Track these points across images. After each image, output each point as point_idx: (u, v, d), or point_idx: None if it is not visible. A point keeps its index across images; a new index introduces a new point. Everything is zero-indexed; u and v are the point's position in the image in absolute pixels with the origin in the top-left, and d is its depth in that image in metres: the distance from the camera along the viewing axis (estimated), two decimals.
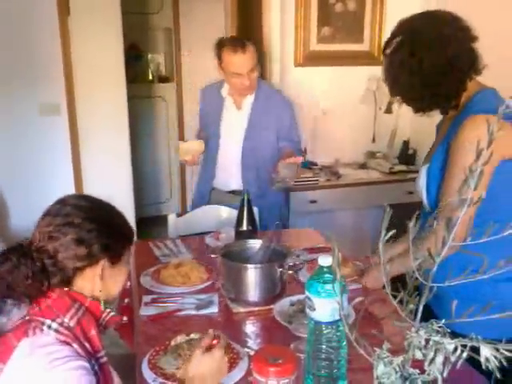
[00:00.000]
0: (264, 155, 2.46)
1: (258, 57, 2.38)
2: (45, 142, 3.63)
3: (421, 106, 1.47)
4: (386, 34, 3.85)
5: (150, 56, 5.13)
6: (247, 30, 3.69)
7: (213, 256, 1.96)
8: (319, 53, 3.51)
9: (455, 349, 0.78)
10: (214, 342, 1.21)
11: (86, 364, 1.05)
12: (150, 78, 5.14)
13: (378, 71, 3.51)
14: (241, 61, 2.30)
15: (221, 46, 2.35)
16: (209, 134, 2.56)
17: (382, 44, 3.94)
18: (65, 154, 3.70)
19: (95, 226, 1.14)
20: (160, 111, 5.05)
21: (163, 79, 5.12)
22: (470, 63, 1.39)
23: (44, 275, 1.11)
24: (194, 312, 1.59)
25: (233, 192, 2.55)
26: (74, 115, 3.69)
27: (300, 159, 2.28)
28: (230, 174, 2.53)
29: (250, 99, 2.47)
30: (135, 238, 1.33)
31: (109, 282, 1.19)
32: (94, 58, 3.69)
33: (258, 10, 3.31)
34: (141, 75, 5.05)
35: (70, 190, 3.63)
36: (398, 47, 1.42)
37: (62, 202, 1.19)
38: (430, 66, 1.36)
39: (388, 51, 1.46)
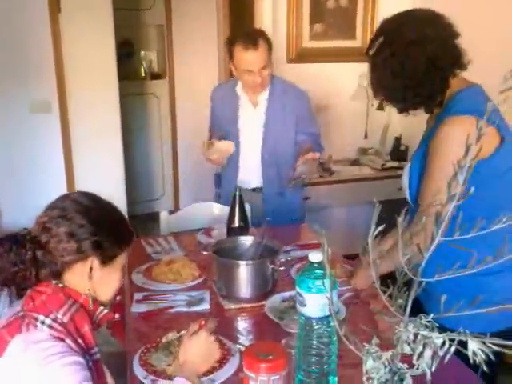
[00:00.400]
0: (284, 151, 2.43)
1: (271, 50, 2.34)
2: (36, 140, 3.62)
3: (404, 106, 1.47)
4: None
5: (142, 53, 5.11)
6: (239, 26, 3.68)
7: (204, 253, 1.96)
8: (311, 49, 3.51)
9: (443, 343, 0.78)
10: (202, 323, 1.24)
11: (81, 359, 1.05)
12: (143, 74, 5.13)
13: None
14: (252, 58, 2.24)
15: (232, 42, 2.30)
16: (226, 134, 2.49)
17: None
18: (56, 152, 3.68)
19: (88, 222, 1.15)
20: (152, 108, 5.03)
21: (156, 76, 5.10)
22: (452, 61, 1.39)
23: (33, 265, 1.12)
24: (185, 309, 1.58)
25: (253, 190, 2.52)
26: (66, 113, 3.67)
27: (317, 155, 2.23)
28: (250, 172, 2.50)
29: (264, 95, 2.43)
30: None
31: (99, 283, 1.19)
32: (85, 55, 3.67)
33: (250, 6, 3.31)
34: (133, 72, 5.04)
35: (62, 187, 3.62)
36: (380, 48, 1.41)
37: (65, 196, 1.22)
38: (412, 66, 1.36)
39: (370, 52, 1.46)
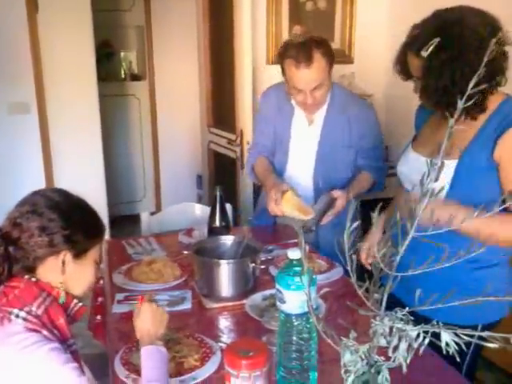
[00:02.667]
0: (341, 177, 2.11)
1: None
2: (14, 142, 3.58)
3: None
4: (357, 33, 3.88)
5: (122, 54, 5.09)
6: (219, 27, 3.69)
7: (186, 253, 1.97)
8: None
9: (418, 335, 0.80)
10: (140, 298, 1.32)
11: (59, 345, 1.07)
12: (123, 76, 5.11)
13: (349, 69, 3.59)
14: (304, 77, 1.92)
15: (284, 53, 1.96)
16: (276, 148, 2.22)
17: (354, 42, 3.91)
18: (35, 154, 3.65)
19: (58, 216, 1.16)
20: (133, 109, 5.02)
21: (136, 77, 5.09)
22: (504, 66, 1.35)
23: (5, 261, 1.13)
24: (167, 309, 1.58)
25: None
26: (45, 114, 3.64)
27: (341, 206, 1.90)
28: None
29: (321, 112, 2.10)
30: (107, 236, 1.34)
31: (72, 277, 1.20)
32: (64, 55, 3.65)
33: (229, 8, 3.32)
34: (113, 73, 5.02)
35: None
36: (436, 51, 1.27)
37: (35, 192, 1.23)
38: (470, 73, 1.26)
39: (423, 54, 1.37)
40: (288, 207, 1.89)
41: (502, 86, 1.38)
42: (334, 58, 1.98)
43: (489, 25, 1.32)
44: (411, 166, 1.58)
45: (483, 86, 0.83)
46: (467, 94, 0.81)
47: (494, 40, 1.29)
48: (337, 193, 1.92)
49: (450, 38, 1.30)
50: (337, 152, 2.11)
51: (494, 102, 1.38)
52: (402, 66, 1.47)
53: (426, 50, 1.34)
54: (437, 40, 1.32)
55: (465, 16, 1.33)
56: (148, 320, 1.23)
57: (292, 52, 1.91)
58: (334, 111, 2.09)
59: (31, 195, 1.21)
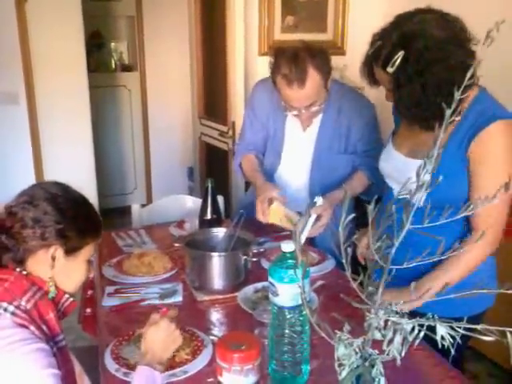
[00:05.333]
0: (338, 183, 1.97)
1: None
2: (3, 133, 3.54)
3: (434, 122, 1.39)
4: (350, 24, 3.86)
5: (112, 44, 5.04)
6: (211, 17, 3.66)
7: (177, 245, 1.95)
8: (283, 42, 3.50)
9: (413, 328, 0.80)
10: (164, 310, 1.26)
11: (45, 346, 1.05)
12: (113, 66, 5.06)
13: (341, 60, 3.57)
14: (297, 97, 1.80)
15: (275, 68, 1.80)
16: (267, 146, 2.12)
17: (346, 33, 3.89)
18: (24, 145, 3.61)
19: (53, 210, 1.14)
20: (124, 100, 4.97)
21: (126, 68, 5.04)
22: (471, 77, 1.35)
23: None
24: (158, 301, 1.57)
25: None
26: (34, 105, 3.60)
27: (325, 221, 1.78)
28: (295, 206, 1.88)
29: (317, 119, 1.99)
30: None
31: (61, 274, 1.18)
32: (53, 46, 3.61)
33: None
34: (103, 64, 4.96)
35: (30, 180, 3.52)
36: (402, 66, 1.26)
37: (36, 184, 1.22)
38: (438, 84, 1.28)
39: (389, 70, 1.34)
40: (275, 219, 1.86)
41: (475, 85, 1.35)
42: (330, 67, 1.82)
43: (451, 30, 1.30)
44: (392, 163, 1.58)
45: (460, 96, 0.81)
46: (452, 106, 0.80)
47: (459, 53, 1.29)
48: (322, 208, 1.77)
49: (415, 51, 1.27)
50: (333, 158, 2.01)
51: (467, 98, 1.37)
52: (370, 76, 1.45)
53: (392, 66, 1.34)
54: (401, 54, 1.30)
55: (426, 26, 1.30)
56: (160, 339, 1.18)
57: (284, 69, 1.75)
58: (330, 115, 1.98)
59: (31, 186, 1.20)
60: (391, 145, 1.60)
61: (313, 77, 1.75)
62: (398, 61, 1.27)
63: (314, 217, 1.71)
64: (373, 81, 1.46)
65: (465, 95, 1.33)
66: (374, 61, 1.40)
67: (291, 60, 1.74)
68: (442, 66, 1.27)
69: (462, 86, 0.78)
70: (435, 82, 1.28)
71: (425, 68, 1.28)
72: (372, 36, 1.41)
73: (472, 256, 1.36)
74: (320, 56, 1.78)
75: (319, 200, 1.73)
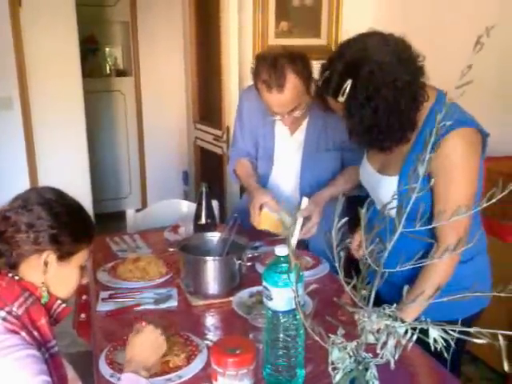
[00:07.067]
0: (328, 179, 2.01)
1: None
2: None
3: (392, 143, 1.40)
4: (343, 29, 3.87)
5: (107, 49, 5.04)
6: (205, 23, 3.67)
7: (171, 250, 1.95)
8: (279, 46, 3.51)
9: (406, 332, 0.80)
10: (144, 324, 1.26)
11: (36, 352, 1.04)
12: (108, 71, 5.06)
13: None
14: (277, 102, 1.82)
15: (256, 74, 1.82)
16: (259, 154, 2.14)
17: (340, 38, 3.90)
18: (19, 149, 3.60)
19: (47, 215, 1.14)
20: (118, 105, 4.97)
21: (121, 73, 5.04)
22: (422, 86, 1.35)
23: None
24: (152, 306, 1.57)
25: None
26: (28, 110, 3.60)
27: (316, 220, 1.82)
28: (286, 201, 1.94)
29: (303, 121, 2.01)
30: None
31: (54, 279, 1.17)
32: (48, 51, 3.60)
33: (216, 3, 3.29)
34: (98, 69, 4.97)
35: (25, 186, 3.52)
36: (351, 94, 1.32)
37: (31, 189, 1.24)
38: (388, 106, 1.31)
39: (341, 100, 1.34)
40: (266, 225, 1.88)
41: (426, 101, 1.36)
42: (310, 72, 1.82)
43: (394, 52, 1.31)
44: (366, 177, 1.61)
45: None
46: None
47: (404, 73, 1.30)
48: (307, 210, 1.79)
49: (361, 78, 1.30)
50: (322, 157, 2.02)
51: (424, 107, 1.38)
52: (324, 102, 1.48)
53: (342, 95, 1.33)
54: (349, 83, 1.31)
55: (369, 52, 1.31)
56: (145, 345, 1.19)
57: (264, 75, 1.77)
58: (316, 119, 1.98)
59: (26, 191, 1.20)
60: (366, 159, 1.62)
61: (292, 82, 1.77)
62: (348, 89, 1.31)
63: (300, 220, 1.73)
64: (329, 109, 1.49)
65: (420, 111, 1.37)
66: (324, 92, 1.43)
67: (271, 66, 1.76)
68: (389, 89, 1.29)
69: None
70: (385, 105, 1.30)
71: (373, 93, 1.30)
72: (320, 66, 1.43)
73: (446, 265, 1.35)
74: (300, 61, 1.79)
75: (304, 202, 1.74)
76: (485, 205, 0.76)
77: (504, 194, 0.74)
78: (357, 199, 1.67)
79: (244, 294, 1.61)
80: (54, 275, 1.17)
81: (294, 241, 1.67)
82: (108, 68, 5.07)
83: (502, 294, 0.74)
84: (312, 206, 1.81)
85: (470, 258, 1.46)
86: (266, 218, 1.87)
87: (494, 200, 0.74)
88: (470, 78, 0.74)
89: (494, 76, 3.31)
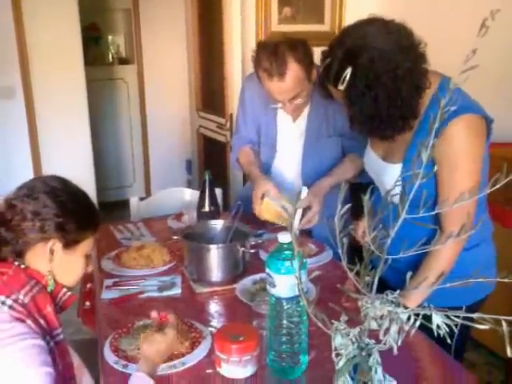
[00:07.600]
0: (330, 166, 2.00)
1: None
2: (0, 127, 3.52)
3: (394, 131, 1.38)
4: (347, 15, 3.84)
5: (109, 37, 5.02)
6: (208, 10, 3.64)
7: (175, 238, 1.95)
8: (280, 33, 3.48)
9: (409, 318, 0.80)
10: (164, 318, 1.25)
11: (41, 342, 1.04)
12: (110, 59, 5.04)
13: None
14: (278, 90, 1.80)
15: (257, 62, 1.81)
16: (262, 140, 2.14)
17: (343, 24, 3.87)
18: (22, 139, 3.61)
19: (53, 203, 1.15)
20: (121, 93, 4.96)
21: (124, 61, 5.02)
22: (424, 72, 1.33)
23: None
24: (156, 294, 1.58)
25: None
26: (31, 99, 3.60)
27: (316, 209, 1.81)
28: (289, 189, 1.97)
29: (305, 108, 2.00)
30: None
31: (59, 267, 1.18)
32: (49, 39, 3.60)
33: None
34: (100, 57, 4.95)
35: (28, 174, 3.53)
36: (351, 82, 1.30)
37: (36, 178, 1.23)
38: (388, 95, 1.29)
39: (340, 87, 1.33)
40: (267, 215, 1.88)
41: (428, 89, 1.34)
42: (312, 59, 1.81)
43: (395, 39, 1.29)
44: (369, 164, 1.60)
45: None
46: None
47: (405, 61, 1.28)
48: (307, 200, 1.80)
49: (361, 65, 1.28)
50: (324, 144, 2.02)
51: (427, 94, 1.36)
52: (325, 90, 1.47)
53: (342, 83, 1.32)
54: (349, 71, 1.29)
55: (369, 39, 1.30)
56: (160, 349, 1.17)
57: (264, 63, 1.76)
58: (318, 106, 1.97)
59: (32, 180, 1.21)
60: (369, 146, 1.62)
61: (293, 69, 1.75)
62: (348, 77, 1.30)
63: (300, 211, 1.74)
64: (331, 97, 1.48)
65: (422, 98, 1.35)
66: (325, 80, 1.41)
67: (271, 54, 1.75)
68: (389, 77, 1.28)
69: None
70: (386, 94, 1.29)
71: (374, 81, 1.28)
72: (321, 53, 1.42)
73: (449, 252, 1.35)
74: (301, 48, 1.78)
75: (304, 191, 1.74)
76: (488, 191, 0.76)
77: (508, 179, 0.73)
78: (359, 186, 1.66)
79: (247, 281, 1.61)
80: (60, 263, 1.18)
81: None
82: (110, 56, 5.05)
83: (506, 280, 0.73)
84: (311, 196, 1.81)
85: (475, 244, 1.45)
86: (267, 208, 1.87)
87: (497, 186, 0.74)
88: (475, 63, 0.73)
89: (498, 61, 3.27)
